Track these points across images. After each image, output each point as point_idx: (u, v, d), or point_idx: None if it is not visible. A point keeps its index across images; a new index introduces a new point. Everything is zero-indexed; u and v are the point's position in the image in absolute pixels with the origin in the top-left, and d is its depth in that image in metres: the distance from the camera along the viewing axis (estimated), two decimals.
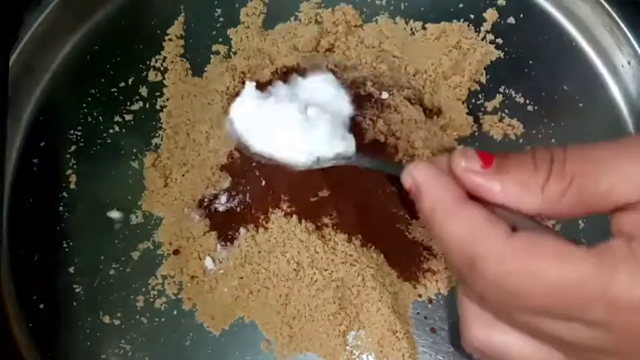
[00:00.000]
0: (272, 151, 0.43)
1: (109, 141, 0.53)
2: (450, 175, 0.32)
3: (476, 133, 0.54)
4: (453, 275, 0.49)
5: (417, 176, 0.32)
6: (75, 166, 0.52)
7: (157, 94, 0.54)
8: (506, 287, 0.28)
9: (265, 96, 0.45)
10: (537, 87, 0.54)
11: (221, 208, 0.49)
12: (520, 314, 0.29)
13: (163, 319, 0.49)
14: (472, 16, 0.56)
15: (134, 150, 0.53)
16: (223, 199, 0.49)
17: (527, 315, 0.29)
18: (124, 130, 0.53)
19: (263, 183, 0.48)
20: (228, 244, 0.49)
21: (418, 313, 0.49)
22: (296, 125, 0.43)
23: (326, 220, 0.47)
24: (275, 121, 0.43)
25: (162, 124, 0.54)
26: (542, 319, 0.28)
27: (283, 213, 0.47)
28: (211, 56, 0.56)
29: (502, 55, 0.55)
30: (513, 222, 0.29)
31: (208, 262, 0.49)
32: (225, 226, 0.49)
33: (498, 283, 0.28)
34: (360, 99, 0.50)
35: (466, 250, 0.29)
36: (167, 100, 0.54)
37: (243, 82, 0.52)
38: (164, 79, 0.55)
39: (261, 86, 0.47)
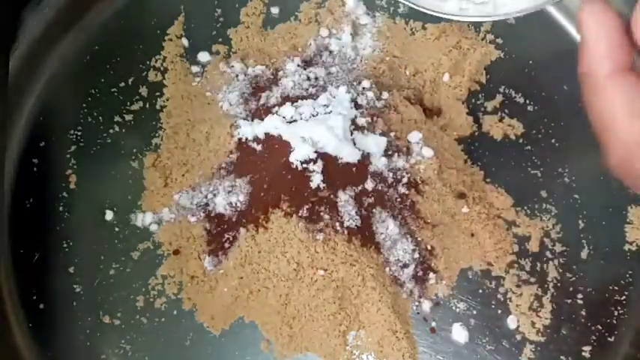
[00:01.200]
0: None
1: (109, 141, 0.53)
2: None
3: (476, 133, 0.54)
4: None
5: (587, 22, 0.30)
6: (75, 166, 0.52)
7: (157, 94, 0.54)
8: None
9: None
10: (537, 87, 0.54)
11: (221, 208, 0.49)
12: None
13: (163, 319, 0.49)
14: None
15: (134, 150, 0.53)
16: (223, 199, 0.49)
17: None
18: (124, 130, 0.53)
19: (263, 183, 0.48)
20: (228, 244, 0.49)
21: (418, 313, 0.49)
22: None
23: (326, 220, 0.47)
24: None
25: (162, 124, 0.53)
26: None
27: (283, 213, 0.47)
28: (211, 56, 0.56)
29: (502, 55, 0.55)
30: None
31: (208, 262, 0.49)
32: (225, 226, 0.49)
33: None
34: (360, 99, 0.50)
35: None
36: (167, 100, 0.54)
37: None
38: (164, 79, 0.55)
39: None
